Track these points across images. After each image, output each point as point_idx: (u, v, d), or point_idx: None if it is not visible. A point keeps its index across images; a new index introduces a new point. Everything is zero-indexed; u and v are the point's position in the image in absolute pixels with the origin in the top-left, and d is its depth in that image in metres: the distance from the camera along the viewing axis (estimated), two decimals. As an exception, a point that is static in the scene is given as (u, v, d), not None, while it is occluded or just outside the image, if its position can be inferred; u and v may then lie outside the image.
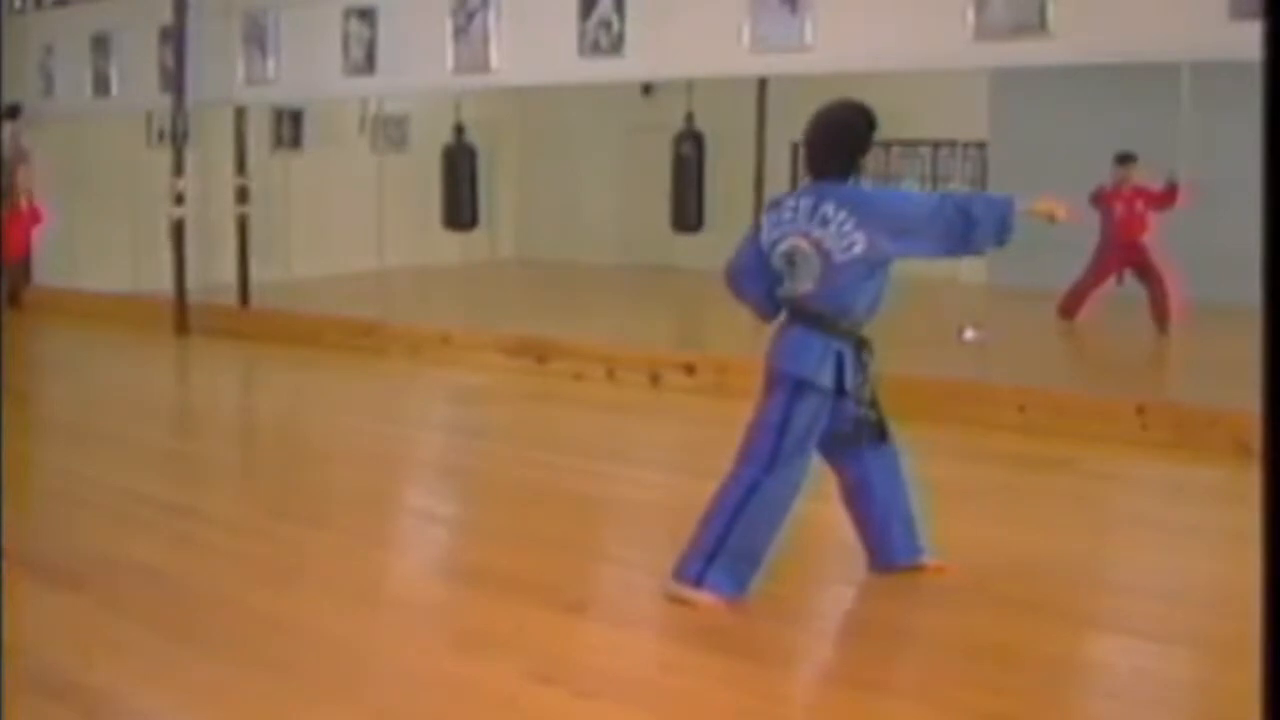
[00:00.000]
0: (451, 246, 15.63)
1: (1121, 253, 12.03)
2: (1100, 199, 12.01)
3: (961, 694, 4.23)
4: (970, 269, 14.20)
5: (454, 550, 6.13)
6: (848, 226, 4.86)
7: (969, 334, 8.74)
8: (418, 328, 12.08)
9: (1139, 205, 11.90)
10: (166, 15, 13.20)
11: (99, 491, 5.76)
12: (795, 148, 14.27)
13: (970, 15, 8.28)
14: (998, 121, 15.12)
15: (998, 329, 9.61)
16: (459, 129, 13.30)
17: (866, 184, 5.12)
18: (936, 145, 15.97)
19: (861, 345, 5.04)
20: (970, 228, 4.85)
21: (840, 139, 5.07)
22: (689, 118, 12.08)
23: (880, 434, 5.20)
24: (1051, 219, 5.03)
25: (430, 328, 11.99)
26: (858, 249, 4.86)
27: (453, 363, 11.27)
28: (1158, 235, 11.66)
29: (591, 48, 10.15)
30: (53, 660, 4.66)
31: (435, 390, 10.90)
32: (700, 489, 5.14)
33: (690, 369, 9.97)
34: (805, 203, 4.98)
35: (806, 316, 4.99)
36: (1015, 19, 8.17)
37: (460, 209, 13.51)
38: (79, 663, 4.60)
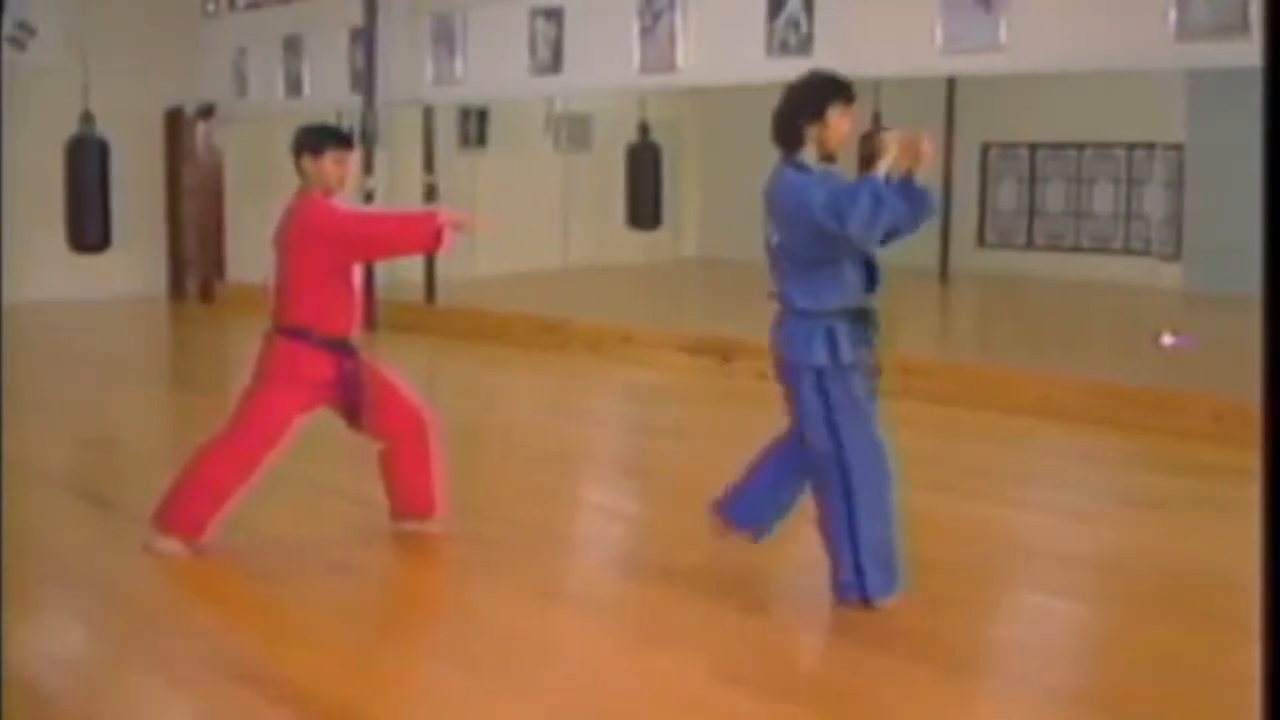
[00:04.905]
0: (635, 245, 15.67)
1: None
2: None
3: (1146, 706, 4.16)
4: (1169, 274, 13.89)
5: (636, 548, 6.13)
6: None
7: (1167, 339, 8.49)
8: (600, 325, 12.13)
9: None
10: (357, 17, 13.45)
11: (284, 483, 5.86)
12: (985, 147, 14.18)
13: (1172, 15, 8.06)
14: (1197, 123, 14.64)
15: (1193, 336, 9.33)
16: (644, 128, 13.33)
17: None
18: (1131, 147, 15.49)
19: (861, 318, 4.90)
20: (842, 224, 4.59)
21: (783, 109, 4.96)
22: (876, 118, 11.98)
23: None
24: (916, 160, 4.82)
25: (612, 325, 12.04)
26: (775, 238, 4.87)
27: (634, 361, 11.31)
28: None
29: (780, 47, 10.08)
30: (243, 647, 4.78)
31: (617, 388, 10.95)
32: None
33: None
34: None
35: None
36: (1217, 19, 7.92)
37: (644, 208, 13.56)
38: (269, 650, 4.71)
